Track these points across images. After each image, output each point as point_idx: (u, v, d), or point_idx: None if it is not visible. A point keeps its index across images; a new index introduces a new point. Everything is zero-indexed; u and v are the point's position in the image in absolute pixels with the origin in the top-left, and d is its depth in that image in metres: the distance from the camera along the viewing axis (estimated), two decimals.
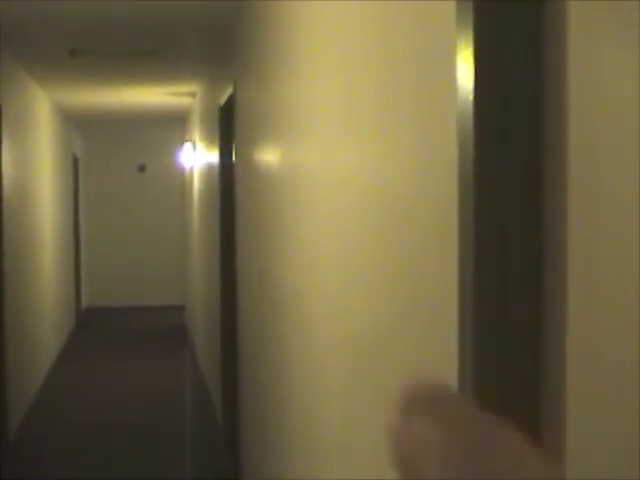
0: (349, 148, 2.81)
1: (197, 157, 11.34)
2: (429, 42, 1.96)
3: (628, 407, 1.23)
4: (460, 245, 1.58)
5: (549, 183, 1.47)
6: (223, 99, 7.33)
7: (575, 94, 1.38)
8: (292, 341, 4.03)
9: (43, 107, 10.62)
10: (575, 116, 1.38)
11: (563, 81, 1.41)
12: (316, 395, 3.43)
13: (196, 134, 11.45)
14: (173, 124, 14.89)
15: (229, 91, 6.84)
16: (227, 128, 7.35)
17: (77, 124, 14.98)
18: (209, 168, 9.31)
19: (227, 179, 7.40)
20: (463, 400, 0.61)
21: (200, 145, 10.79)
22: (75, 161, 14.95)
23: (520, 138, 1.49)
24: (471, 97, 1.51)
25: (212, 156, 8.84)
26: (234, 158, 6.74)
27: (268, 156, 4.84)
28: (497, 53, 1.49)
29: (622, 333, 1.24)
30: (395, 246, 2.25)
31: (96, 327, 14.45)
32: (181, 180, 15.86)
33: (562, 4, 1.41)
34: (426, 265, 1.98)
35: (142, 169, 16.69)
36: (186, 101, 11.55)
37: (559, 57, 1.42)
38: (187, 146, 12.31)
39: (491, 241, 1.49)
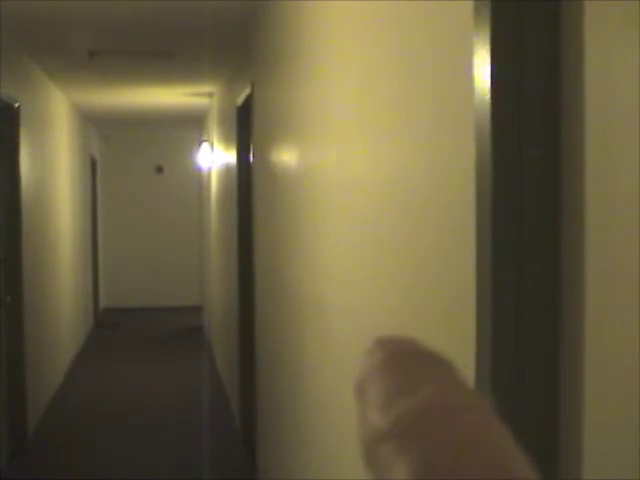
0: (366, 148, 2.82)
1: (214, 158, 11.36)
2: (446, 42, 1.97)
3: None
4: (477, 242, 1.59)
5: (566, 180, 1.48)
6: (240, 99, 7.34)
7: (592, 92, 1.38)
8: (310, 341, 4.04)
9: (61, 108, 10.66)
10: (592, 114, 1.38)
11: (580, 79, 1.41)
12: (334, 396, 3.44)
13: (213, 135, 11.47)
14: (190, 125, 14.91)
15: (246, 91, 6.85)
16: (244, 128, 7.36)
17: (95, 125, 15.03)
18: (227, 169, 9.33)
19: (245, 179, 7.42)
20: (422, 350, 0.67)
21: (217, 146, 10.81)
22: (93, 162, 15.00)
23: (537, 137, 1.49)
24: (488, 96, 1.52)
25: (230, 156, 8.86)
26: (252, 158, 6.76)
27: (285, 156, 4.85)
28: (514, 52, 1.50)
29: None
30: (413, 244, 2.26)
31: (114, 327, 14.49)
32: (199, 181, 15.89)
33: (579, 3, 1.42)
34: (444, 262, 1.99)
35: (160, 170, 16.73)
36: (203, 102, 11.57)
37: (576, 55, 1.43)
38: (204, 147, 12.33)
39: (508, 237, 1.49)
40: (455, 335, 1.88)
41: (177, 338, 13.33)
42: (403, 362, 0.64)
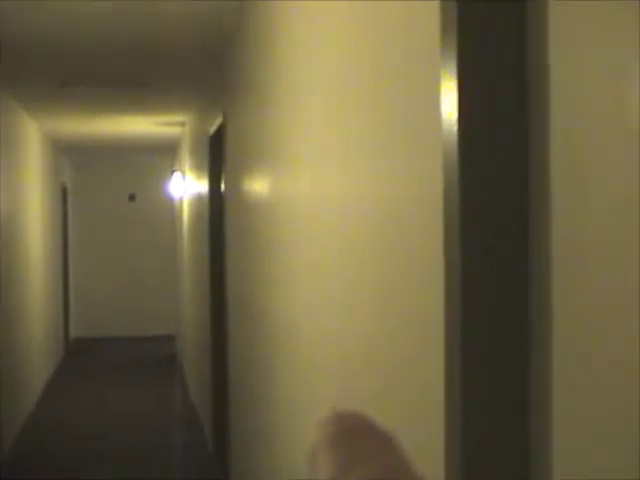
0: (338, 176, 2.85)
1: (187, 186, 11.37)
2: (415, 72, 2.00)
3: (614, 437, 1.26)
4: (446, 268, 1.62)
5: (535, 210, 1.51)
6: (213, 129, 7.37)
7: (560, 114, 1.41)
8: (281, 367, 4.05)
9: (33, 136, 10.65)
10: (560, 137, 1.41)
11: (547, 111, 1.45)
12: (307, 422, 3.45)
13: (186, 163, 11.48)
14: (163, 153, 14.92)
15: (218, 121, 6.88)
16: (216, 157, 7.39)
17: (67, 153, 15.01)
18: (199, 197, 9.34)
19: (217, 208, 7.43)
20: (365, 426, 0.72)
21: (190, 174, 10.82)
22: (64, 190, 14.96)
23: (505, 163, 1.52)
24: (455, 127, 1.55)
25: (202, 185, 8.87)
26: (223, 187, 6.77)
27: (258, 185, 4.87)
28: (480, 80, 1.53)
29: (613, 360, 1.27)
30: (383, 272, 2.28)
31: (86, 357, 14.40)
32: (171, 209, 15.89)
33: (544, 21, 1.45)
34: (413, 290, 2.02)
35: (132, 198, 16.72)
36: (176, 131, 11.59)
37: (543, 75, 1.46)
38: (177, 175, 12.34)
39: (477, 264, 1.52)
40: (424, 361, 1.91)
41: (149, 367, 13.27)
42: (352, 438, 0.70)
